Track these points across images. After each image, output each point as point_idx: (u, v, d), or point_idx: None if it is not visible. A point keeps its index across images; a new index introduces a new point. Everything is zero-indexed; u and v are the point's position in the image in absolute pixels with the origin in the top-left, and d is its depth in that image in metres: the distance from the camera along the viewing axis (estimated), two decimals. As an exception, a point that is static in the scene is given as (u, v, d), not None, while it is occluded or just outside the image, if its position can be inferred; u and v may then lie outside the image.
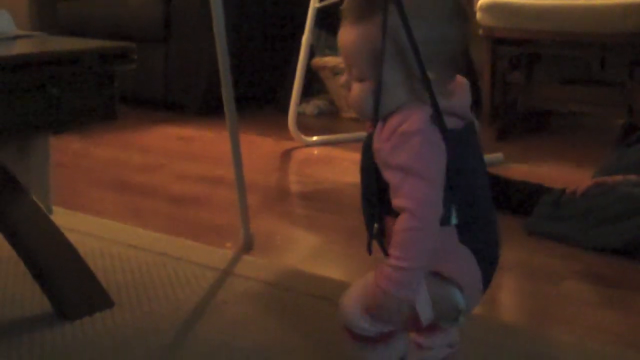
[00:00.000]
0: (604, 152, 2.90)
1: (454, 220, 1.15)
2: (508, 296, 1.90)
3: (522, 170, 2.82)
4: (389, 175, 1.13)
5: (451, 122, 1.14)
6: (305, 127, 3.39)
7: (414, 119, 1.11)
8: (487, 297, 1.86)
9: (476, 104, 3.74)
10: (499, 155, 2.99)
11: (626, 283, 1.92)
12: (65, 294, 1.69)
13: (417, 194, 1.10)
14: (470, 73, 3.78)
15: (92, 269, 1.76)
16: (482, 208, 1.20)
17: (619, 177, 2.18)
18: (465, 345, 1.54)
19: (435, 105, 1.12)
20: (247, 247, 2.10)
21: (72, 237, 1.78)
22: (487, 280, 1.25)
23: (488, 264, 1.23)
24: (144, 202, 2.56)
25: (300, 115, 3.41)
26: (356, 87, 1.15)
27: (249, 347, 1.54)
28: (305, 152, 3.23)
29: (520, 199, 2.36)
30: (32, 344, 1.55)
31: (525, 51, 3.55)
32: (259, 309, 1.71)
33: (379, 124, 1.14)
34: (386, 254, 1.17)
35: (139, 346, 1.55)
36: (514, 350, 1.54)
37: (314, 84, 4.05)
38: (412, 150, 1.10)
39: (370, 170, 1.16)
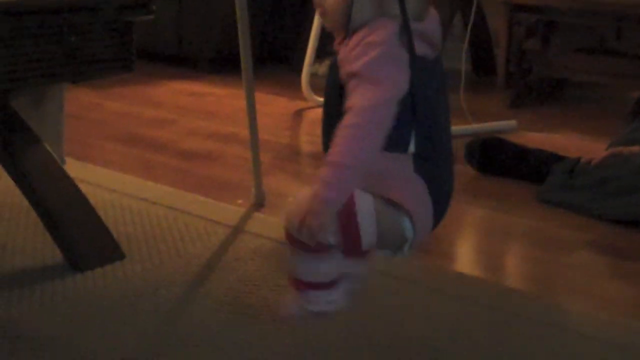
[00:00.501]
0: (617, 123, 2.88)
1: (412, 148, 1.16)
2: (520, 264, 1.89)
3: (535, 138, 2.80)
4: (348, 85, 1.14)
5: (422, 49, 1.16)
6: (318, 88, 3.36)
7: (380, 32, 1.13)
8: (498, 264, 1.87)
9: (491, 70, 3.74)
10: (512, 122, 2.97)
11: (638, 255, 1.91)
12: (77, 245, 1.68)
13: (365, 97, 1.11)
14: (486, 39, 3.75)
15: (103, 221, 1.76)
16: (441, 142, 1.20)
17: (635, 148, 2.16)
18: (474, 310, 1.55)
19: (405, 22, 1.14)
20: (259, 204, 2.09)
21: (83, 188, 1.77)
22: (438, 215, 1.23)
23: (441, 198, 1.22)
24: (154, 157, 2.55)
25: (313, 75, 3.38)
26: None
27: (260, 304, 1.54)
28: (318, 112, 3.20)
29: (533, 167, 2.34)
30: (43, 294, 1.55)
31: (542, 19, 3.51)
32: (270, 266, 1.71)
33: (348, 38, 1.17)
34: None
35: (149, 299, 1.55)
36: (523, 317, 1.54)
37: (327, 45, 4.01)
38: (370, 58, 1.12)
39: (335, 86, 1.18)
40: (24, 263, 1.69)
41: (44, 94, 1.86)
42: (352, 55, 1.14)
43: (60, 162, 1.81)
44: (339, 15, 1.17)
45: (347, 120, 1.10)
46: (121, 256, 1.71)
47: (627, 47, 3.57)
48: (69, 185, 1.74)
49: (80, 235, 1.70)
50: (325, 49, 3.99)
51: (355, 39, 1.15)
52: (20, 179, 1.69)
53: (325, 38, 3.78)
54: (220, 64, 3.83)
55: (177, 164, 2.49)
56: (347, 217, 1.13)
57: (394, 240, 1.19)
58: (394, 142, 1.14)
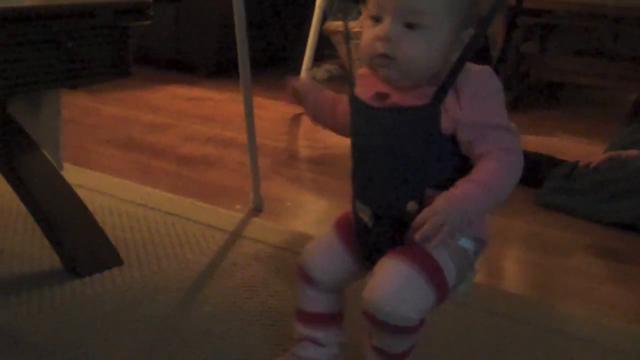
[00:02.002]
0: (614, 126, 2.89)
1: None
2: (517, 268, 1.89)
3: (533, 141, 2.80)
4: (468, 133, 1.08)
5: None
6: (316, 92, 3.36)
7: (495, 78, 1.11)
8: (497, 268, 1.87)
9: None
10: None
11: (636, 258, 1.91)
12: (75, 251, 1.68)
13: (513, 142, 1.09)
14: (483, 42, 3.75)
15: (101, 226, 1.76)
16: None
17: (633, 152, 2.16)
18: (472, 315, 1.54)
19: (494, 65, 1.13)
20: (257, 209, 2.09)
21: (80, 194, 1.77)
22: None
23: None
24: (153, 162, 2.55)
25: (311, 79, 3.38)
26: (414, 38, 1.08)
27: (258, 310, 1.53)
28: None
29: (531, 171, 2.33)
30: (41, 300, 1.55)
31: (539, 22, 3.52)
32: (268, 271, 1.71)
33: (443, 91, 1.08)
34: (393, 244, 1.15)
35: (148, 305, 1.54)
36: (521, 321, 1.54)
37: (325, 49, 4.02)
38: (493, 106, 1.09)
39: (401, 149, 1.11)
40: (22, 269, 1.69)
41: (41, 100, 1.86)
42: (471, 107, 1.08)
43: (58, 168, 1.81)
44: (429, 60, 1.09)
45: (506, 156, 1.08)
46: (119, 262, 1.71)
47: (625, 50, 3.58)
48: (67, 191, 1.74)
49: (78, 241, 1.70)
50: (323, 53, 4.00)
51: (470, 90, 1.08)
52: (18, 184, 1.69)
53: (323, 42, 3.79)
54: (218, 68, 3.83)
55: (175, 169, 2.49)
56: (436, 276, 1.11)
57: (466, 273, 1.20)
58: None
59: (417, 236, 1.05)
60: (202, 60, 3.91)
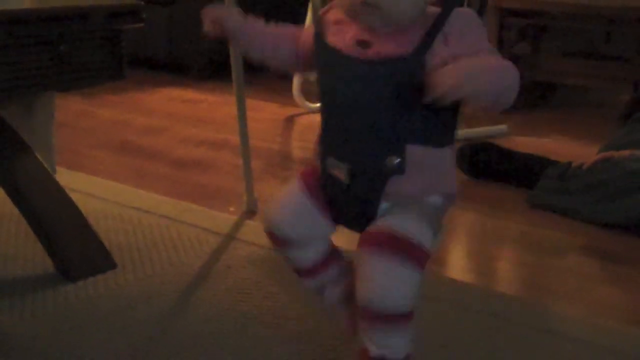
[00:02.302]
0: (607, 127, 2.90)
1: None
2: (510, 268, 1.89)
3: (526, 142, 2.80)
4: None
5: None
6: (309, 93, 3.37)
7: (477, 17, 1.09)
8: (490, 269, 1.87)
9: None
10: (503, 127, 2.98)
11: (630, 259, 1.91)
12: (68, 254, 1.68)
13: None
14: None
15: (94, 230, 1.76)
16: None
17: (626, 152, 2.17)
18: (466, 316, 1.55)
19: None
20: (250, 211, 2.09)
21: (74, 197, 1.77)
22: None
23: None
24: (146, 165, 2.55)
25: (304, 81, 3.38)
26: None
27: (253, 313, 1.53)
28: (309, 118, 3.21)
29: (524, 171, 2.35)
30: (34, 303, 1.55)
31: (532, 23, 3.53)
32: (263, 274, 1.71)
33: (431, 37, 1.05)
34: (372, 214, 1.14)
35: (142, 309, 1.54)
36: (516, 322, 1.54)
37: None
38: (485, 38, 1.09)
39: (383, 101, 1.07)
40: (14, 272, 1.69)
41: (34, 103, 1.86)
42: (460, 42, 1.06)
43: (51, 171, 1.81)
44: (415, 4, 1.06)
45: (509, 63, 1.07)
46: (113, 265, 1.71)
47: (617, 51, 3.59)
48: (60, 195, 1.73)
49: (71, 244, 1.70)
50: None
51: (456, 29, 1.06)
52: (11, 188, 1.69)
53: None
54: (212, 70, 3.83)
55: (169, 172, 2.49)
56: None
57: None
58: (447, 137, 1.14)
59: (437, 91, 1.00)
60: (196, 62, 3.91)
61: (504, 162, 2.40)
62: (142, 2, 1.68)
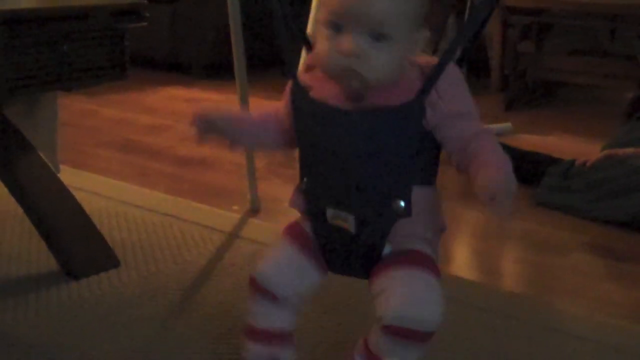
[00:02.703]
0: (612, 124, 2.89)
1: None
2: (515, 266, 1.89)
3: (530, 140, 2.80)
4: (452, 122, 1.09)
5: None
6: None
7: (456, 70, 1.12)
8: (494, 267, 1.87)
9: (485, 72, 3.74)
10: (507, 125, 2.97)
11: (634, 256, 1.91)
12: (72, 252, 1.68)
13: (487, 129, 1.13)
14: (480, 41, 3.75)
15: (98, 228, 1.76)
16: None
17: (629, 150, 2.17)
18: (470, 313, 1.54)
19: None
20: (254, 210, 2.09)
21: (78, 196, 1.77)
22: None
23: None
24: (150, 163, 2.55)
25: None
26: (380, 51, 1.05)
27: (256, 310, 1.53)
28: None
29: (528, 169, 2.34)
30: (38, 302, 1.55)
31: (536, 21, 3.52)
32: (266, 272, 1.70)
33: (428, 87, 1.07)
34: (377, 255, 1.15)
35: (145, 306, 1.54)
36: (520, 320, 1.54)
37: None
38: (468, 96, 1.12)
39: (384, 150, 1.09)
40: (18, 271, 1.69)
41: (37, 102, 1.86)
42: (448, 100, 1.09)
43: (55, 170, 1.81)
44: (394, 67, 1.08)
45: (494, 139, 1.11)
46: (116, 263, 1.71)
47: (621, 48, 3.58)
48: (64, 193, 1.74)
49: (75, 242, 1.70)
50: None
51: (445, 84, 1.09)
52: (15, 187, 1.69)
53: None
54: (215, 69, 3.83)
55: (173, 170, 2.49)
56: None
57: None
58: (434, 175, 1.17)
59: (495, 210, 1.02)
60: (199, 61, 3.91)
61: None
62: (145, 1, 1.69)
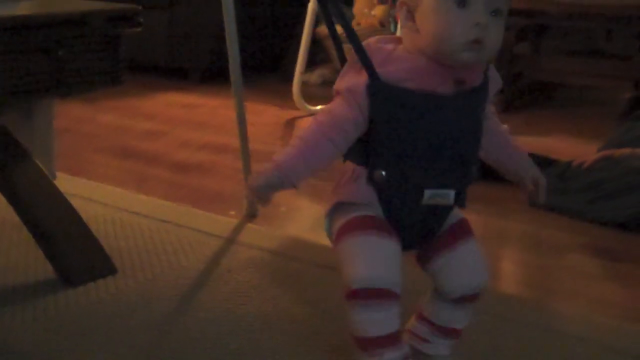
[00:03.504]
0: (609, 125, 2.89)
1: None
2: (512, 268, 1.89)
3: (527, 141, 2.79)
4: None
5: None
6: (310, 96, 3.37)
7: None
8: (492, 269, 1.86)
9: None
10: (505, 127, 2.97)
11: (631, 257, 1.91)
12: (69, 260, 1.68)
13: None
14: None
15: (95, 235, 1.76)
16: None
17: (626, 150, 2.17)
18: (471, 316, 1.54)
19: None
20: (251, 215, 2.09)
21: (74, 203, 1.76)
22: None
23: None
24: (147, 169, 2.55)
25: (304, 84, 3.39)
26: (499, 25, 1.13)
27: (253, 316, 1.53)
28: (309, 121, 3.20)
29: (525, 171, 2.34)
30: (36, 309, 1.55)
31: (532, 23, 3.52)
32: (263, 277, 1.71)
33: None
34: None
35: (142, 313, 1.54)
36: (518, 321, 1.54)
37: (318, 53, 4.03)
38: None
39: (478, 126, 1.19)
40: (15, 278, 1.69)
41: (33, 109, 1.86)
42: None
43: (51, 177, 1.81)
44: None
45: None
46: (113, 270, 1.71)
47: (618, 49, 3.59)
48: (61, 200, 1.73)
49: (72, 250, 1.70)
50: (316, 58, 4.00)
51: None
52: (11, 194, 1.69)
53: (316, 47, 3.79)
54: (212, 74, 3.84)
55: (170, 176, 2.49)
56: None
57: None
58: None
59: (541, 198, 1.31)
60: (196, 66, 3.91)
61: (505, 162, 2.40)
62: (140, 7, 1.68)
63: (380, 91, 1.14)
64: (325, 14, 1.28)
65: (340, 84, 1.18)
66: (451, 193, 1.20)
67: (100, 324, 1.49)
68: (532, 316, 1.57)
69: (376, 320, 1.18)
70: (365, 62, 1.14)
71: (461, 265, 1.24)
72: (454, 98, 1.15)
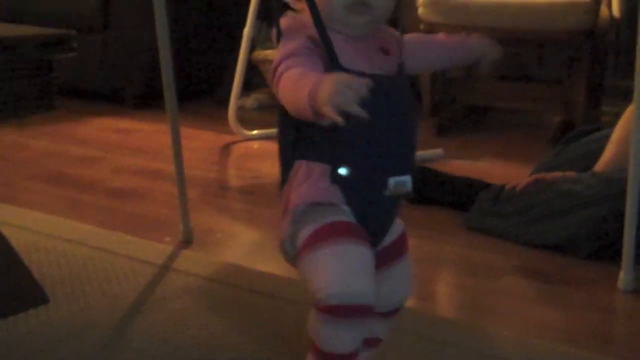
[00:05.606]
0: (541, 148, 2.94)
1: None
2: (447, 291, 1.91)
3: (461, 165, 2.83)
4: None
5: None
6: (245, 121, 3.37)
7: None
8: (427, 292, 1.88)
9: (416, 99, 3.78)
10: (439, 151, 3.00)
11: (564, 279, 1.94)
12: (-1, 290, 1.64)
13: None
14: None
15: (26, 264, 1.72)
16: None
17: (557, 174, 2.20)
18: (404, 339, 1.55)
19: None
20: (187, 241, 2.07)
21: (5, 231, 1.73)
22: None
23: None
24: (81, 196, 2.51)
25: (240, 109, 3.38)
26: None
27: (189, 344, 1.51)
28: (246, 146, 3.20)
29: (460, 194, 2.37)
30: (-36, 340, 1.51)
31: (465, 47, 3.57)
32: (199, 304, 1.69)
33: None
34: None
35: (75, 343, 1.51)
36: (454, 345, 1.54)
37: (254, 78, 4.03)
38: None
39: (413, 103, 1.19)
40: (-57, 310, 1.64)
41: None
42: None
43: (-19, 205, 1.77)
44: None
45: None
46: (45, 300, 1.67)
47: (549, 74, 3.66)
48: (-10, 229, 1.70)
49: (1, 279, 1.66)
50: (251, 82, 4.00)
51: None
52: (-62, 223, 1.65)
53: (252, 71, 3.79)
54: (147, 99, 3.80)
55: (105, 202, 2.46)
56: None
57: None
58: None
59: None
60: (130, 91, 3.88)
61: (440, 185, 2.42)
62: (74, 31, 1.66)
63: (339, 67, 1.09)
64: None
65: (289, 47, 1.11)
66: (409, 179, 1.16)
67: (31, 355, 1.46)
68: (468, 339, 1.58)
69: (346, 339, 1.12)
70: (328, 44, 1.09)
71: (397, 283, 1.25)
72: (393, 78, 1.15)
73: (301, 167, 1.16)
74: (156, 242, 2.06)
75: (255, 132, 3.30)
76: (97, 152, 3.05)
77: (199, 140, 3.22)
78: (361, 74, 1.04)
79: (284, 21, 1.15)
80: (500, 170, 2.83)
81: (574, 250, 2.04)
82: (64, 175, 2.73)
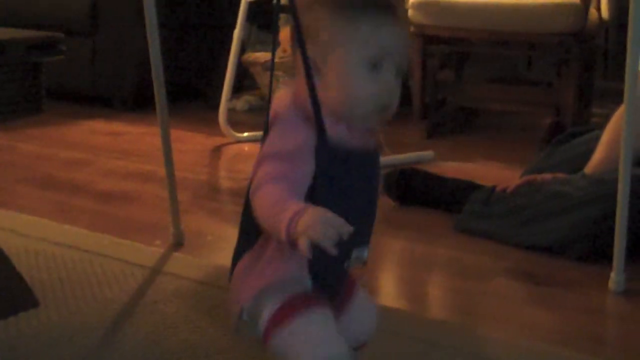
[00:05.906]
0: (531, 150, 2.95)
1: None
2: (438, 293, 1.91)
3: (452, 167, 2.83)
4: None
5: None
6: (236, 123, 3.36)
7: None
8: (418, 294, 1.88)
9: (407, 101, 3.79)
10: (429, 153, 3.01)
11: (555, 280, 1.94)
12: (-12, 293, 1.63)
13: None
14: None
15: (16, 267, 1.71)
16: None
17: (547, 176, 2.21)
18: (396, 342, 1.55)
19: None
20: (177, 244, 2.07)
21: (-5, 235, 1.73)
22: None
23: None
24: (71, 199, 2.51)
25: (230, 111, 3.38)
26: (399, 87, 1.11)
27: (180, 347, 1.51)
28: (236, 148, 3.20)
29: (451, 197, 2.37)
30: (-47, 345, 1.50)
31: (454, 50, 3.58)
32: (190, 307, 1.68)
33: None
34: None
35: (65, 347, 1.51)
36: (444, 347, 1.54)
37: (244, 80, 4.02)
38: None
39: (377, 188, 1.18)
40: None
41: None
42: None
43: (-30, 209, 1.76)
44: None
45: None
46: (35, 303, 1.66)
47: (538, 76, 3.67)
48: (-21, 232, 1.69)
49: (-9, 283, 1.65)
50: (242, 85, 4.00)
51: None
52: None
53: (242, 74, 3.79)
54: (136, 102, 3.80)
55: (94, 205, 2.45)
56: None
57: None
58: None
59: None
60: (120, 93, 3.87)
61: (431, 187, 2.42)
62: (62, 34, 1.66)
63: (328, 152, 1.08)
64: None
65: (284, 144, 1.10)
66: (366, 248, 1.16)
67: (21, 359, 1.45)
68: (459, 341, 1.58)
69: None
70: (319, 120, 1.08)
71: (362, 317, 1.24)
72: (374, 154, 1.16)
73: (270, 243, 1.13)
74: (147, 245, 2.06)
75: (245, 134, 3.30)
76: (87, 155, 3.04)
77: (189, 143, 3.21)
78: (349, 151, 1.09)
79: (280, 100, 1.14)
80: (491, 172, 2.83)
81: (565, 251, 2.05)
82: (53, 179, 2.72)
